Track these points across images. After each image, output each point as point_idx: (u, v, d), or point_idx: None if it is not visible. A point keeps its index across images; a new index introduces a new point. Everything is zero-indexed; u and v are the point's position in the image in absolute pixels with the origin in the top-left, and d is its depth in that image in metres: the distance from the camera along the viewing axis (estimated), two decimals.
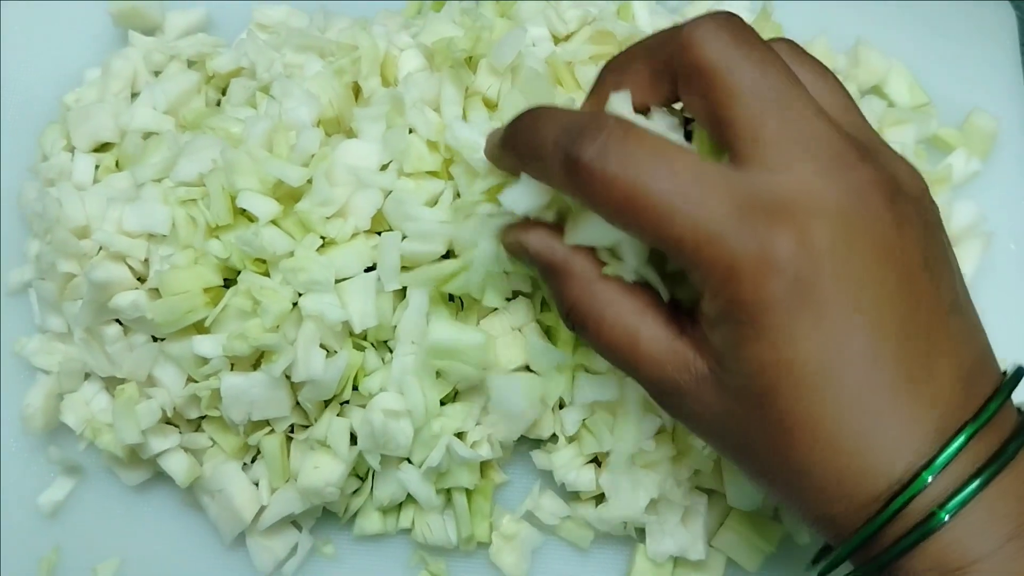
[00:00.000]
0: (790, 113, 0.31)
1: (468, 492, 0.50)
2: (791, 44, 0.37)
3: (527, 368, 0.49)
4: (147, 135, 0.54)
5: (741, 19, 0.33)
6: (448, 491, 0.50)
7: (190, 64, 0.58)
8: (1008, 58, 0.62)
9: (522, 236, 0.40)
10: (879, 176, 0.32)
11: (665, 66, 0.34)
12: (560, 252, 0.38)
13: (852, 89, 0.58)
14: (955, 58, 0.62)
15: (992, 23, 0.63)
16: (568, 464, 0.49)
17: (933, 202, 0.35)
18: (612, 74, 0.37)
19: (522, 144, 0.37)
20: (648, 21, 0.57)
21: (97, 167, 0.54)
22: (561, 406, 0.50)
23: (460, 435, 0.49)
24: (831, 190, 0.31)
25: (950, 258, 0.34)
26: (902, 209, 0.32)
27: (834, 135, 0.32)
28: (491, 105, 0.49)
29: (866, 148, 0.33)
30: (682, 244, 0.31)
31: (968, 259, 0.55)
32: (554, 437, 0.50)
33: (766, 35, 0.56)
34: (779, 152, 0.31)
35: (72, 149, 0.55)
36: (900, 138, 0.55)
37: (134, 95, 0.57)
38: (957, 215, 0.56)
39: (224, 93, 0.57)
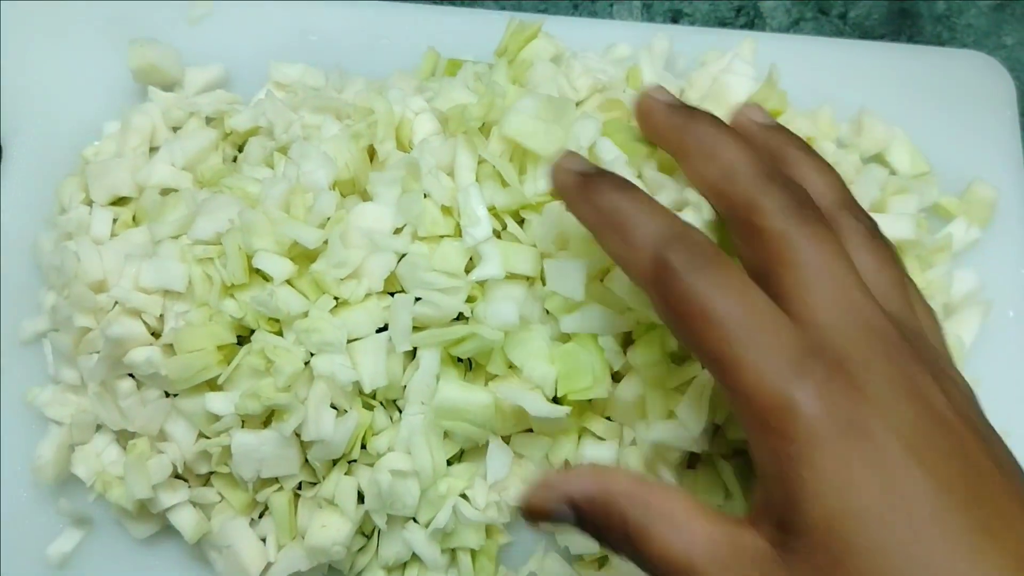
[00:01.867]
0: (839, 291, 0.33)
1: (473, 552, 0.51)
2: (852, 208, 0.39)
3: (529, 430, 0.50)
4: (165, 191, 0.55)
5: (806, 192, 0.35)
6: (453, 551, 0.51)
7: (208, 121, 0.59)
8: (1007, 128, 0.64)
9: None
10: (923, 356, 0.33)
11: (726, 192, 0.37)
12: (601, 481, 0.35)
13: (854, 158, 0.59)
14: (956, 127, 0.64)
15: (992, 93, 0.65)
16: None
17: (964, 380, 0.37)
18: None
19: (608, 211, 0.36)
20: None
21: (115, 221, 0.55)
22: None
23: (465, 495, 0.49)
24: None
25: (990, 425, 0.35)
26: (945, 385, 0.33)
27: (878, 318, 0.33)
28: (499, 177, 0.50)
29: (909, 329, 0.35)
30: (739, 373, 0.31)
31: (967, 327, 0.56)
32: None
33: (771, 103, 0.58)
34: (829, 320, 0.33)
35: (90, 203, 0.56)
36: (902, 207, 0.56)
37: (152, 149, 0.59)
38: (957, 283, 0.57)
39: (241, 150, 0.58)
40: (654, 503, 0.33)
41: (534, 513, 0.36)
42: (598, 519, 0.34)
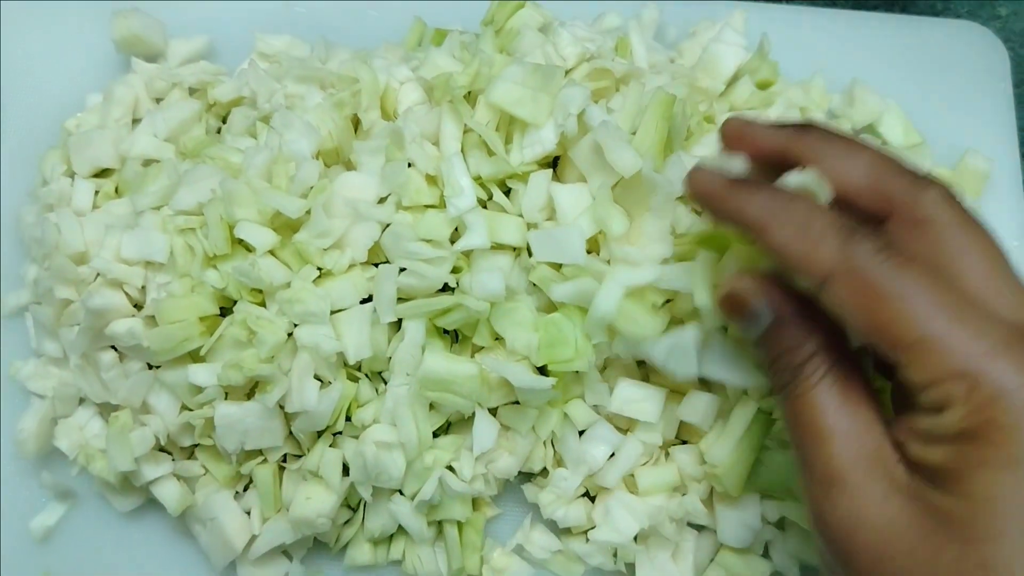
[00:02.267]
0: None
1: (459, 525, 0.50)
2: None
3: (516, 402, 0.49)
4: (147, 162, 0.55)
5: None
6: (439, 523, 0.50)
7: (192, 92, 0.58)
8: (1001, 99, 0.63)
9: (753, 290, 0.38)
10: None
11: (879, 187, 0.36)
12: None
13: (846, 128, 0.58)
14: (948, 97, 0.63)
15: (986, 65, 0.64)
16: (557, 501, 0.49)
17: None
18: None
19: (776, 209, 0.36)
20: (644, 56, 0.57)
21: (97, 193, 0.55)
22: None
23: (451, 467, 0.49)
24: None
25: None
26: None
27: None
28: (484, 146, 0.50)
29: None
30: (938, 355, 0.32)
31: None
32: (544, 471, 0.50)
33: (762, 74, 0.57)
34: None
35: (72, 174, 0.56)
36: None
37: (135, 121, 0.58)
38: None
39: (225, 121, 0.57)
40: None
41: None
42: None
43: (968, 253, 0.35)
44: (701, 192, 0.39)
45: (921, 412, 0.33)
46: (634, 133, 0.51)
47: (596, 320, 0.45)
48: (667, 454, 0.51)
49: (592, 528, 0.50)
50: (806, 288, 0.35)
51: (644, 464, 0.50)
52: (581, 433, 0.50)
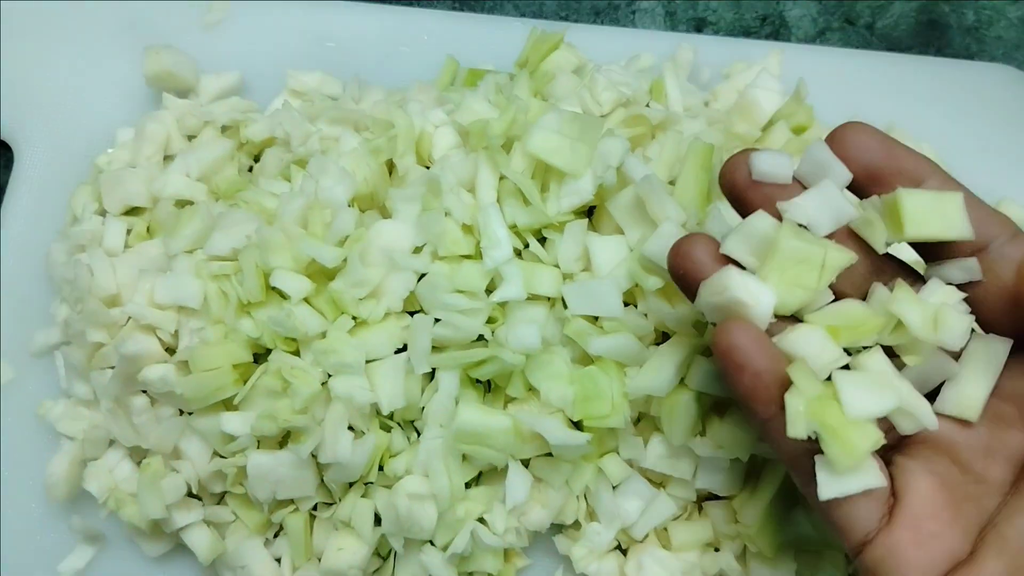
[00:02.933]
0: None
1: None
2: None
3: (549, 454, 0.49)
4: (180, 202, 0.54)
5: None
6: (470, 574, 0.50)
7: (224, 130, 0.58)
8: None
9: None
10: None
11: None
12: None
13: None
14: (984, 143, 0.62)
15: (1021, 108, 0.63)
16: (589, 555, 0.49)
17: None
18: None
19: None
20: (679, 100, 0.57)
21: (128, 232, 0.54)
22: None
23: (483, 519, 0.49)
24: None
25: None
26: None
27: None
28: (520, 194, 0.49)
29: None
30: None
31: None
32: (577, 523, 0.50)
33: (798, 118, 0.57)
34: None
35: (103, 212, 0.55)
36: None
37: (167, 158, 0.58)
38: None
39: (257, 159, 0.57)
40: None
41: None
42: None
43: None
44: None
45: None
46: (671, 183, 0.50)
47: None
48: (700, 508, 0.50)
49: None
50: None
51: (677, 519, 0.50)
52: (615, 486, 0.49)
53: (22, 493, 0.53)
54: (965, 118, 0.63)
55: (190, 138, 0.59)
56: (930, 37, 0.67)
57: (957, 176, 0.59)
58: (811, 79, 0.59)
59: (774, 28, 0.67)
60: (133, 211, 0.56)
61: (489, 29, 0.64)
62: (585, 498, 0.50)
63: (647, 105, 0.56)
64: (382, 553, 0.50)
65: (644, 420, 0.49)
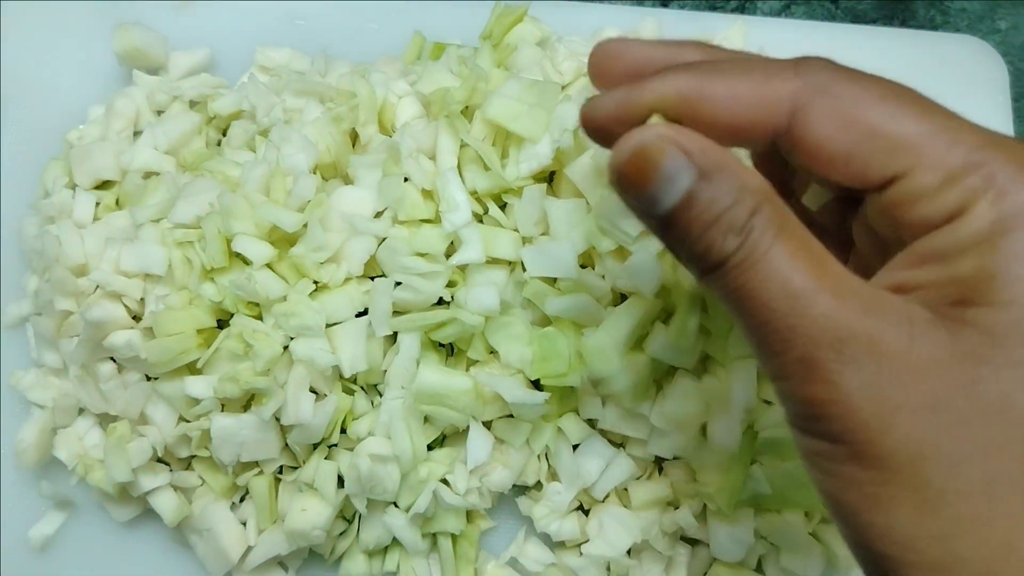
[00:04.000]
0: None
1: (454, 537, 0.51)
2: None
3: (510, 416, 0.49)
4: (148, 175, 0.55)
5: None
6: (434, 535, 0.51)
7: (192, 105, 0.59)
8: (1000, 112, 0.63)
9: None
10: None
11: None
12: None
13: None
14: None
15: (985, 78, 0.64)
16: (551, 514, 0.49)
17: None
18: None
19: (705, 69, 0.30)
20: None
21: (98, 205, 0.55)
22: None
23: (446, 480, 0.49)
24: None
25: None
26: None
27: None
28: (480, 161, 0.50)
29: None
30: (934, 156, 0.28)
31: None
32: (538, 484, 0.51)
33: None
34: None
35: (74, 186, 0.56)
36: None
37: (136, 134, 0.58)
38: None
39: (225, 134, 0.58)
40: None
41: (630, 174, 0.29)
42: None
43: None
44: (607, 117, 0.32)
45: (932, 230, 0.28)
46: None
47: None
48: (661, 468, 0.51)
49: (586, 542, 0.50)
50: (761, 134, 0.29)
51: (638, 478, 0.50)
52: (575, 447, 0.50)
53: None
54: (930, 90, 0.63)
55: (159, 114, 0.59)
56: (894, 9, 0.68)
57: None
58: (775, 52, 0.58)
59: (740, 2, 0.68)
60: (103, 185, 0.57)
61: (457, 7, 0.64)
62: (546, 458, 0.51)
63: None
64: (347, 515, 0.51)
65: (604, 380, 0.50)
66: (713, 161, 0.28)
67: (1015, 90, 0.64)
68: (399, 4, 0.64)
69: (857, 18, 0.67)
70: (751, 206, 0.27)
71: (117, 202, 0.56)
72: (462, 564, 0.51)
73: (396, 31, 0.63)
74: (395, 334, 0.49)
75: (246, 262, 0.49)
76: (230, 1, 0.63)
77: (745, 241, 0.27)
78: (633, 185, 0.29)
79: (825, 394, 0.26)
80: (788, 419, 0.29)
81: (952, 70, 0.64)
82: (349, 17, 0.64)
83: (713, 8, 0.67)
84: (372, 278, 0.50)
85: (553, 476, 0.51)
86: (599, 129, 0.32)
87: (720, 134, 0.29)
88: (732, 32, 0.62)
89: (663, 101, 0.30)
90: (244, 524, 0.51)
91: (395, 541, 0.51)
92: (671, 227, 0.29)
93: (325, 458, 0.49)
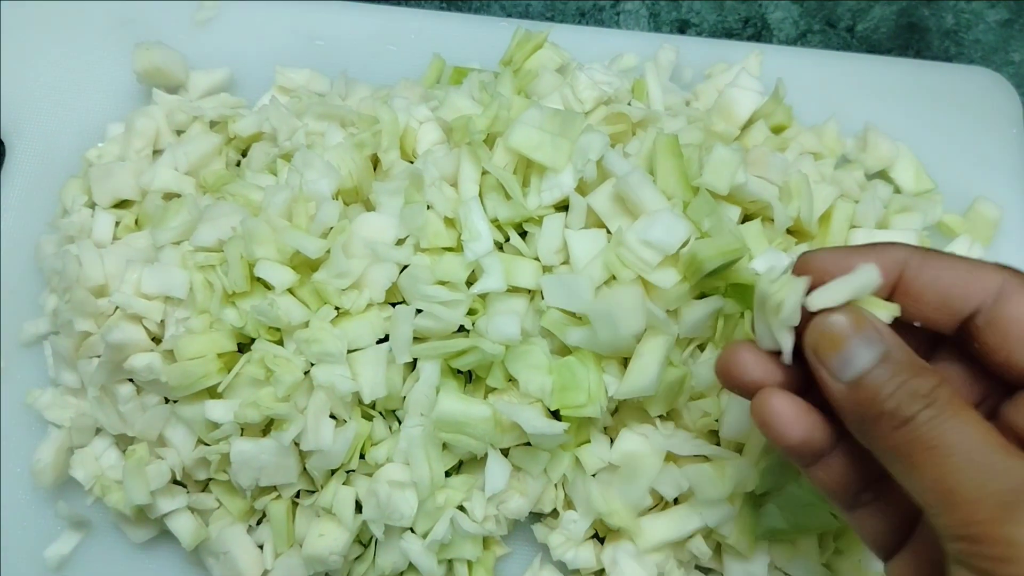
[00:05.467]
0: None
1: (470, 564, 0.51)
2: None
3: (528, 444, 0.50)
4: (168, 195, 0.55)
5: None
6: (450, 562, 0.51)
7: (212, 125, 0.59)
8: (1012, 145, 0.64)
9: None
10: None
11: None
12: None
13: (859, 174, 0.59)
14: (960, 142, 0.63)
15: (998, 110, 0.65)
16: (566, 543, 0.50)
17: None
18: None
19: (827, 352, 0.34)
20: (660, 99, 0.58)
21: (117, 224, 0.55)
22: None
23: (463, 507, 0.50)
24: None
25: None
26: None
27: None
28: (502, 189, 0.50)
29: None
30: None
31: None
32: (555, 512, 0.51)
33: (777, 118, 0.58)
34: None
35: (93, 205, 0.56)
36: (906, 226, 0.56)
37: (156, 153, 0.59)
38: None
39: (245, 155, 0.58)
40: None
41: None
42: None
43: None
44: (824, 261, 0.36)
45: None
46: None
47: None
48: (677, 499, 0.51)
49: (601, 571, 0.50)
50: (957, 314, 0.35)
51: (652, 509, 0.51)
52: (592, 475, 0.50)
53: (10, 481, 0.54)
54: (942, 120, 0.64)
55: (179, 133, 0.59)
56: (909, 40, 0.68)
57: (933, 175, 0.61)
58: (791, 80, 0.60)
59: (756, 30, 0.68)
60: (122, 204, 0.57)
61: (475, 29, 0.65)
62: (563, 487, 0.51)
63: (628, 104, 0.57)
64: (363, 540, 0.51)
65: (622, 411, 0.50)
66: (898, 342, 0.33)
67: None
68: (417, 24, 0.65)
69: (872, 48, 0.68)
70: (934, 380, 0.32)
71: (136, 222, 0.56)
72: None
73: (415, 54, 0.63)
74: (415, 361, 0.49)
75: (268, 287, 0.49)
76: (249, 20, 0.64)
77: (932, 403, 0.31)
78: (823, 352, 0.34)
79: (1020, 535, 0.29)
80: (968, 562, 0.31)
81: (966, 102, 0.65)
82: (368, 37, 0.64)
83: (729, 35, 0.68)
84: (393, 305, 0.50)
85: (569, 504, 0.51)
86: (815, 271, 0.36)
87: (923, 308, 0.35)
88: (749, 60, 0.63)
89: (886, 263, 0.35)
90: (261, 548, 0.51)
91: (411, 566, 0.51)
92: (861, 386, 0.33)
93: (343, 483, 0.50)
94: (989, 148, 0.64)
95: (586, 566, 0.50)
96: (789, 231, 0.55)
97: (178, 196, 0.55)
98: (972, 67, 0.66)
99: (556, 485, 0.50)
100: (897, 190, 0.60)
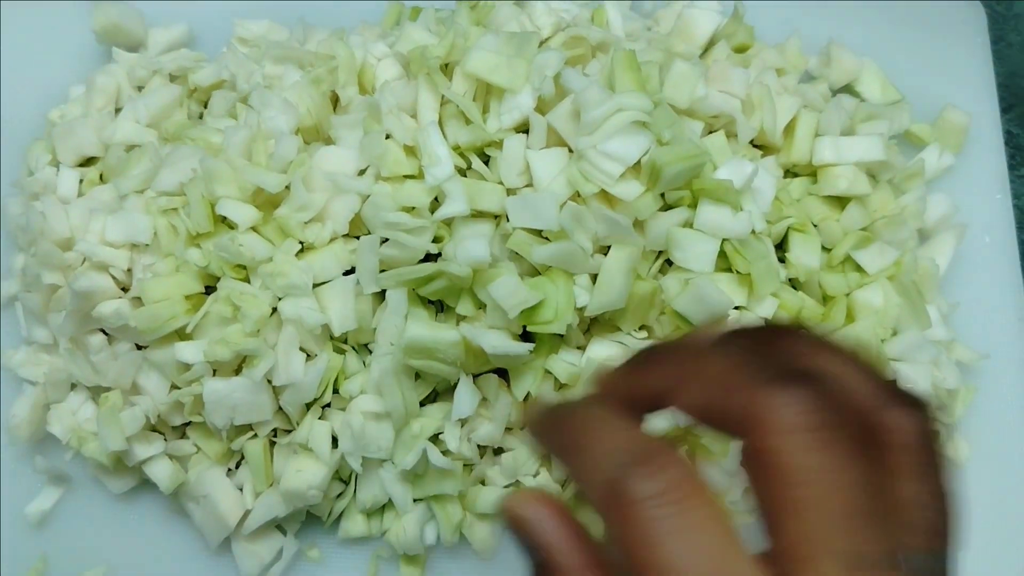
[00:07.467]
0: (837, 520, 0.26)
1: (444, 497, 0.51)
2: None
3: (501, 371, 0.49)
4: (130, 148, 0.55)
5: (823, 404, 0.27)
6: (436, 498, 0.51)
7: (172, 78, 0.59)
8: (979, 54, 0.63)
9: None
10: None
11: (717, 407, 0.28)
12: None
13: (823, 87, 0.58)
14: (927, 55, 0.63)
15: (963, 20, 0.64)
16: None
17: None
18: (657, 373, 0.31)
19: (566, 438, 0.31)
20: (620, 25, 0.58)
21: (82, 181, 0.55)
22: None
23: (439, 436, 0.49)
24: None
25: None
26: None
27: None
28: (462, 116, 0.50)
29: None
30: None
31: (942, 251, 0.56)
32: None
33: (738, 38, 0.57)
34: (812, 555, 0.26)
35: (57, 164, 0.56)
36: (872, 131, 0.55)
37: (118, 110, 0.58)
38: (931, 208, 0.56)
39: (206, 107, 0.58)
40: None
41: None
42: None
43: (802, 509, 0.26)
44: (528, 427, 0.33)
45: None
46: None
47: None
48: None
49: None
50: None
51: None
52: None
53: None
54: (907, 32, 0.64)
55: (140, 90, 0.59)
56: None
57: (901, 88, 0.60)
58: (752, 1, 0.60)
59: None
60: (87, 163, 0.57)
61: None
62: None
63: (588, 29, 0.57)
64: (344, 477, 0.51)
65: (594, 328, 0.50)
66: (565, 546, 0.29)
67: (993, 32, 0.65)
68: None
69: None
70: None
71: (101, 177, 0.56)
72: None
73: (375, 2, 0.63)
74: (384, 293, 0.49)
75: (231, 226, 0.49)
76: None
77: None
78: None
79: None
80: None
81: (930, 14, 0.64)
82: None
83: None
84: (357, 237, 0.50)
85: None
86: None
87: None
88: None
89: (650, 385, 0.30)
90: (241, 489, 0.51)
91: (391, 502, 0.50)
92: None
93: (318, 418, 0.49)
94: (956, 58, 0.63)
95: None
96: (755, 144, 0.54)
97: (140, 148, 0.55)
98: None
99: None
100: (863, 102, 0.60)
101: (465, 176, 0.50)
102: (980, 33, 0.64)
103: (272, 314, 0.48)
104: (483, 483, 0.51)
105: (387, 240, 0.48)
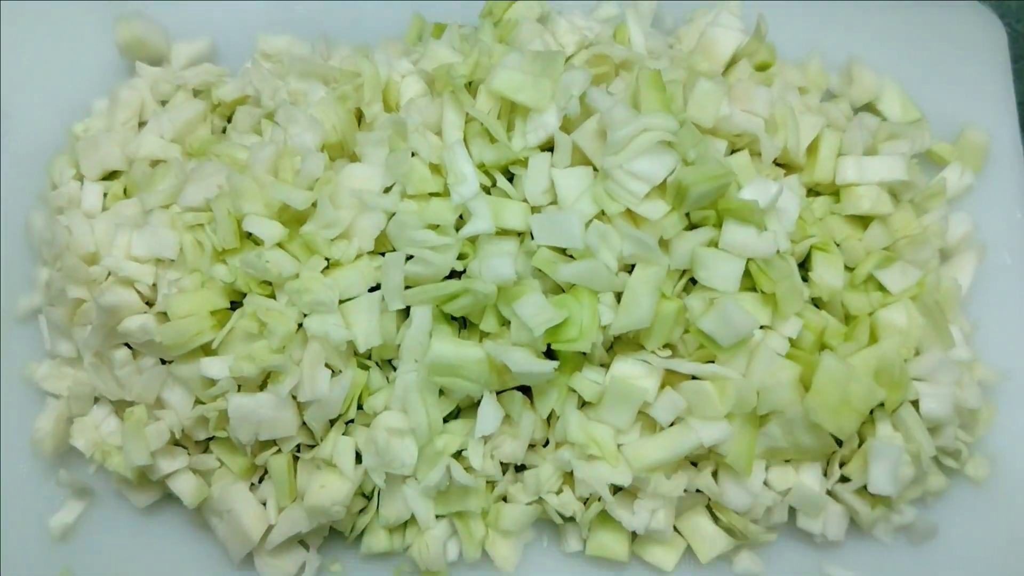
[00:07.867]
0: None
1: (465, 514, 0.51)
2: None
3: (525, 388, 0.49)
4: (154, 163, 0.55)
5: None
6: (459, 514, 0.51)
7: (196, 93, 0.59)
8: (999, 73, 0.63)
9: None
10: None
11: None
12: None
13: (845, 106, 0.59)
14: (947, 74, 0.63)
15: (983, 40, 0.64)
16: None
17: None
18: None
19: None
20: (643, 43, 0.58)
21: (106, 195, 0.55)
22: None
23: (462, 452, 0.49)
24: None
25: None
26: None
27: None
28: (487, 134, 0.50)
29: None
30: None
31: (964, 270, 0.56)
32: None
33: (760, 56, 0.58)
34: None
35: (81, 178, 0.56)
36: (894, 151, 0.55)
37: (141, 124, 0.58)
38: (952, 227, 0.56)
39: (229, 121, 0.58)
40: None
41: None
42: None
43: None
44: None
45: None
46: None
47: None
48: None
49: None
50: None
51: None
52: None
53: (11, 454, 0.54)
54: (928, 51, 0.64)
55: (164, 104, 0.59)
56: None
57: (921, 107, 0.60)
58: (772, 18, 0.60)
59: None
60: (110, 176, 0.57)
61: None
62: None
63: (611, 47, 0.57)
64: (367, 493, 0.51)
65: (618, 347, 0.50)
66: None
67: (1014, 52, 0.65)
68: None
69: None
70: None
71: (125, 191, 0.56)
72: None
73: (395, 16, 0.63)
74: (408, 309, 0.49)
75: (257, 242, 0.49)
76: None
77: None
78: None
79: None
80: None
81: (951, 34, 0.65)
82: (348, 2, 0.64)
83: None
84: (383, 253, 0.50)
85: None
86: None
87: None
88: (730, 3, 0.62)
89: None
90: (264, 504, 0.51)
91: (414, 518, 0.50)
92: None
93: (343, 434, 0.49)
94: (976, 78, 0.63)
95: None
96: (778, 163, 0.54)
97: (165, 163, 0.55)
98: (956, 1, 0.66)
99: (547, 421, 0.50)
100: (885, 121, 0.60)
101: (490, 194, 0.50)
102: (1000, 52, 0.64)
103: (298, 330, 0.48)
104: (505, 500, 0.51)
105: (412, 257, 0.48)
